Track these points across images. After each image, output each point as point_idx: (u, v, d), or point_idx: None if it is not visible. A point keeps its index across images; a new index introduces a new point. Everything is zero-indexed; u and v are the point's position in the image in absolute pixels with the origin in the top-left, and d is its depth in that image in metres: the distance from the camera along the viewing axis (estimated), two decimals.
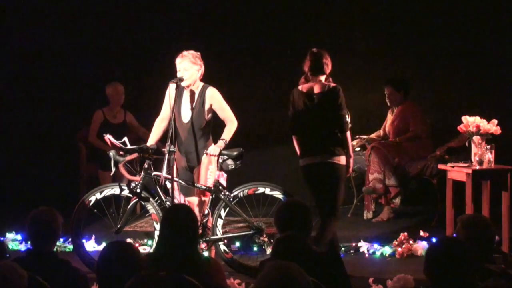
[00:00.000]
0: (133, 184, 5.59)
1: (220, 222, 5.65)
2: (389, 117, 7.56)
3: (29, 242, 5.61)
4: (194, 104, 5.65)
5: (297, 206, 4.20)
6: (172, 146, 5.38)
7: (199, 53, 5.68)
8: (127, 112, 7.76)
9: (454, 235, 4.67)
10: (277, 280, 2.82)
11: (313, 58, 5.49)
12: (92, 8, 8.44)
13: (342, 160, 5.41)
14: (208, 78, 5.76)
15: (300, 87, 5.52)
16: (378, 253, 6.21)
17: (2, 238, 6.51)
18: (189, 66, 5.60)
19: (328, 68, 5.51)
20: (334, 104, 5.40)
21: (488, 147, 6.06)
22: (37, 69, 8.48)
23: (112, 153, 5.59)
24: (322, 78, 5.50)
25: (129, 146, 5.63)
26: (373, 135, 7.65)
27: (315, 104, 5.43)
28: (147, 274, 3.14)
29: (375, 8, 8.30)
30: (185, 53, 5.64)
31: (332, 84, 5.47)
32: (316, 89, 5.47)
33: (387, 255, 6.19)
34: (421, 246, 6.16)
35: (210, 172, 5.57)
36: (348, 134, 5.47)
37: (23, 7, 8.41)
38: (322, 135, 5.42)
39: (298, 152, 5.58)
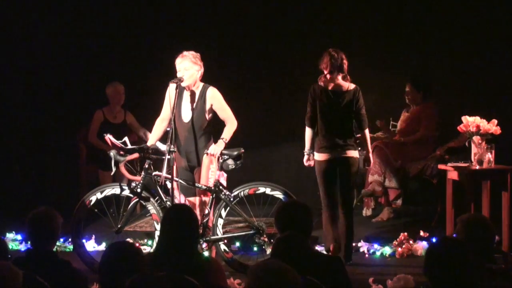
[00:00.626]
0: (133, 184, 5.59)
1: (220, 222, 5.65)
2: (403, 116, 7.52)
3: (29, 242, 5.60)
4: (194, 104, 5.65)
5: (297, 206, 4.20)
6: (172, 146, 5.38)
7: (199, 53, 5.69)
8: (127, 112, 7.75)
9: (454, 235, 4.66)
10: (267, 282, 2.80)
11: (331, 58, 5.68)
12: (92, 8, 8.44)
13: (356, 153, 5.74)
14: (208, 78, 5.76)
15: (321, 83, 5.68)
16: (378, 253, 6.20)
17: (2, 238, 6.50)
18: (189, 66, 5.60)
19: (345, 67, 5.71)
20: (357, 103, 5.67)
21: (488, 147, 6.06)
22: (37, 69, 8.48)
23: (112, 153, 5.59)
24: (340, 77, 5.69)
25: (129, 146, 5.63)
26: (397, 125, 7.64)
27: (340, 102, 5.65)
28: (147, 274, 3.14)
29: (377, 9, 8.30)
30: (185, 53, 5.64)
31: (353, 84, 5.71)
32: (338, 87, 5.68)
33: (387, 255, 6.18)
34: (421, 246, 6.15)
35: (211, 172, 5.57)
36: (367, 131, 5.77)
37: (23, 7, 8.41)
38: (343, 131, 5.68)
39: (307, 145, 5.78)
